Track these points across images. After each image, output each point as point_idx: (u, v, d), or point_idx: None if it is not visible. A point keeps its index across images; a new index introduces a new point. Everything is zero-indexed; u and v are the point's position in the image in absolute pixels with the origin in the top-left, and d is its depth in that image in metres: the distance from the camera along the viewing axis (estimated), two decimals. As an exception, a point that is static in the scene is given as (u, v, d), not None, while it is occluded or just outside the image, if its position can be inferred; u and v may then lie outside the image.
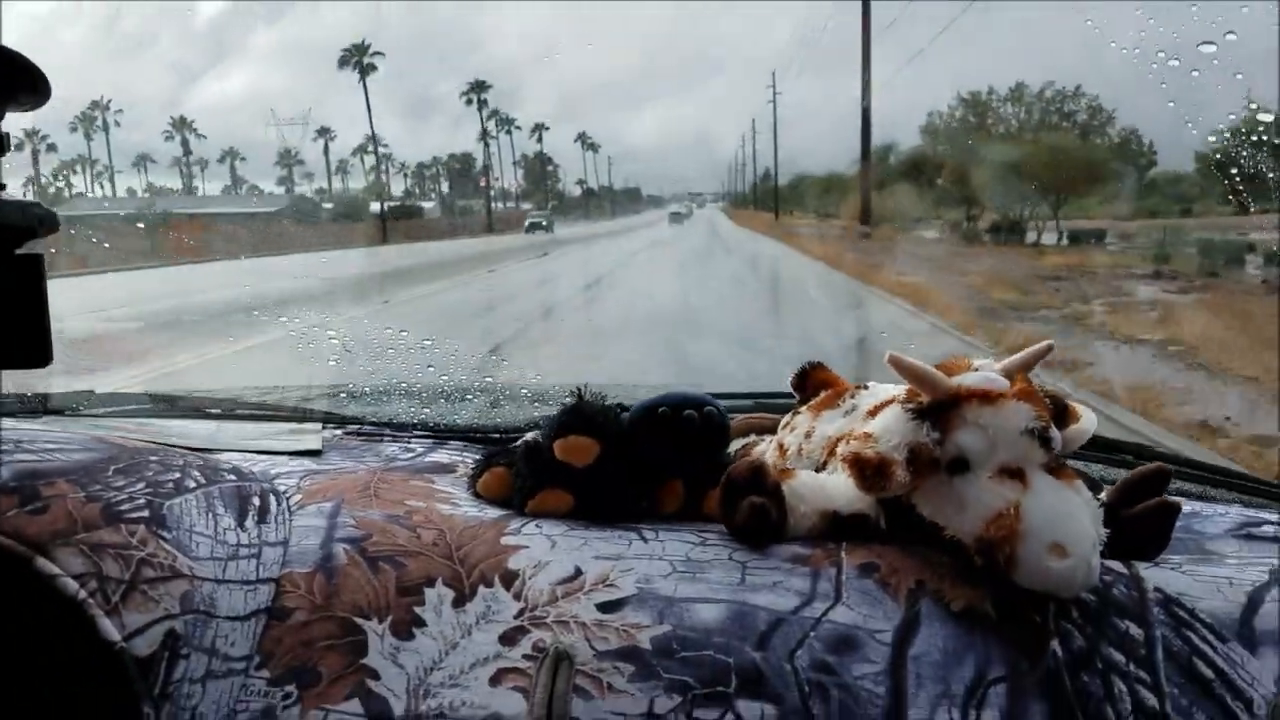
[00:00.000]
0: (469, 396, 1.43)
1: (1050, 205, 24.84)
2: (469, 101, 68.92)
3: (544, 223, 46.53)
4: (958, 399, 0.78)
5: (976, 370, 0.82)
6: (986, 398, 0.78)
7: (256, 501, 0.85)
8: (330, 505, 0.87)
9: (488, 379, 1.52)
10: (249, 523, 0.82)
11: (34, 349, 0.64)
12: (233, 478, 0.87)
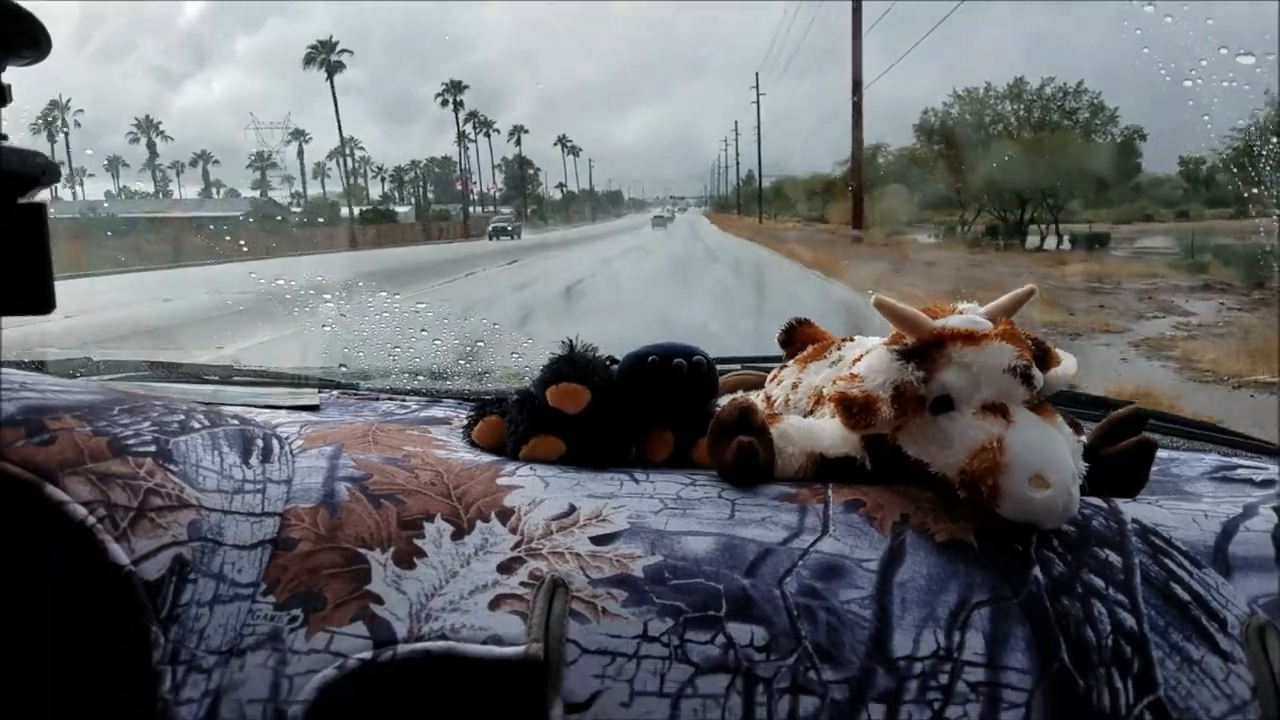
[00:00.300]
0: (459, 371, 1.45)
1: (1049, 208, 23.67)
2: (445, 103, 67.46)
3: (509, 228, 42.76)
4: (942, 339, 0.81)
5: (961, 313, 0.84)
6: (970, 338, 0.80)
7: (260, 443, 0.87)
8: (331, 449, 0.89)
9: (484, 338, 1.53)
10: (253, 460, 0.84)
11: (36, 296, 0.65)
12: (236, 422, 0.89)
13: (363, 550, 0.76)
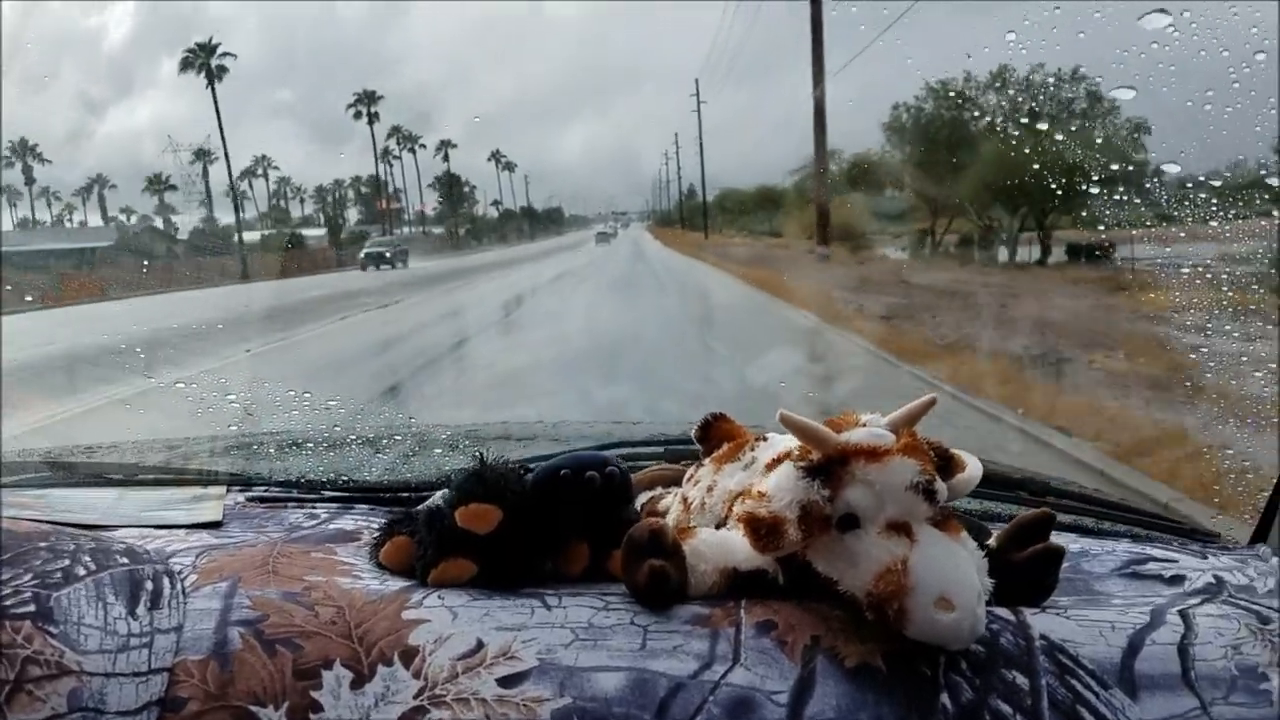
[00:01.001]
0: (381, 447, 1.42)
1: (1042, 214, 20.18)
2: (357, 115, 61.71)
3: (387, 254, 32.50)
4: (846, 456, 0.81)
5: (864, 425, 0.84)
6: (873, 455, 0.80)
7: (150, 585, 0.83)
8: (226, 585, 0.85)
9: (401, 426, 1.49)
10: (140, 609, 0.80)
11: None
12: (125, 561, 0.85)
13: (255, 708, 0.74)
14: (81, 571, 0.80)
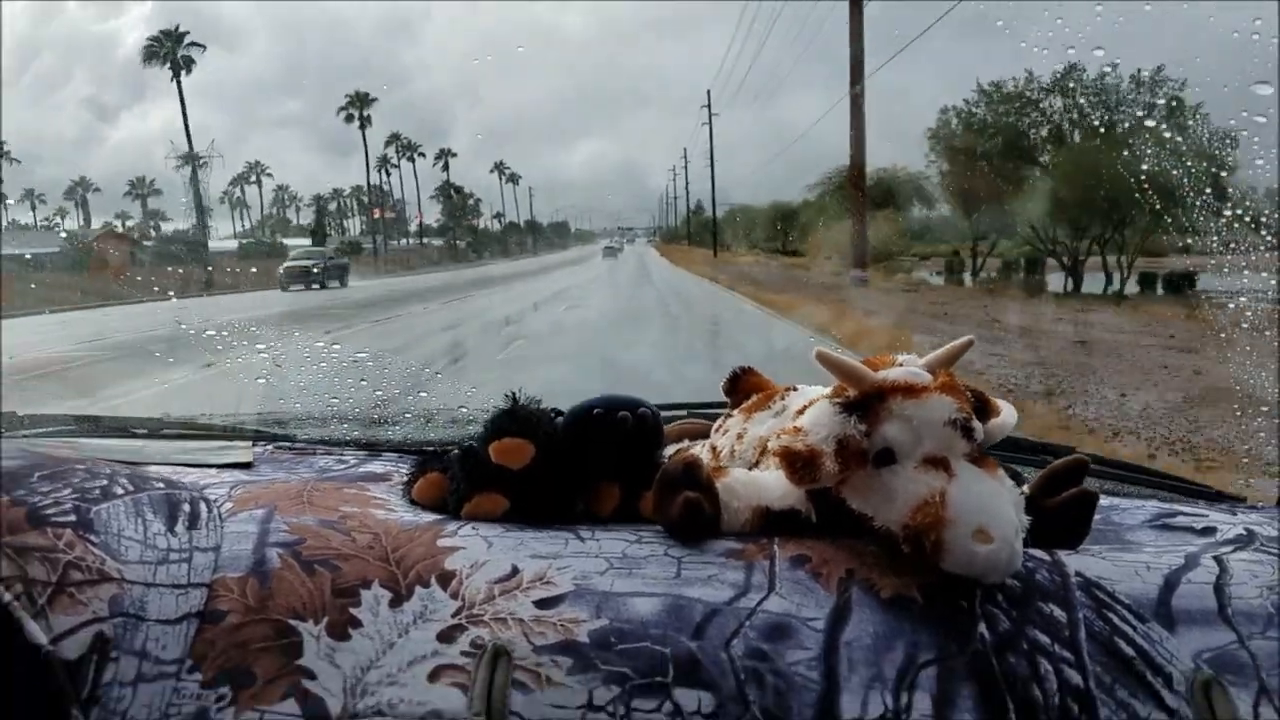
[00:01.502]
0: (404, 416, 1.42)
1: (1113, 237, 16.88)
2: (349, 118, 58.61)
3: (314, 269, 24.66)
4: (883, 393, 0.81)
5: (901, 365, 0.85)
6: (910, 391, 0.80)
7: (187, 508, 0.84)
8: (262, 512, 0.86)
9: (421, 398, 1.48)
10: (179, 528, 0.80)
11: None
12: (161, 485, 0.86)
13: (294, 622, 0.74)
14: (120, 490, 0.80)
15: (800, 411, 0.91)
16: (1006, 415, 0.89)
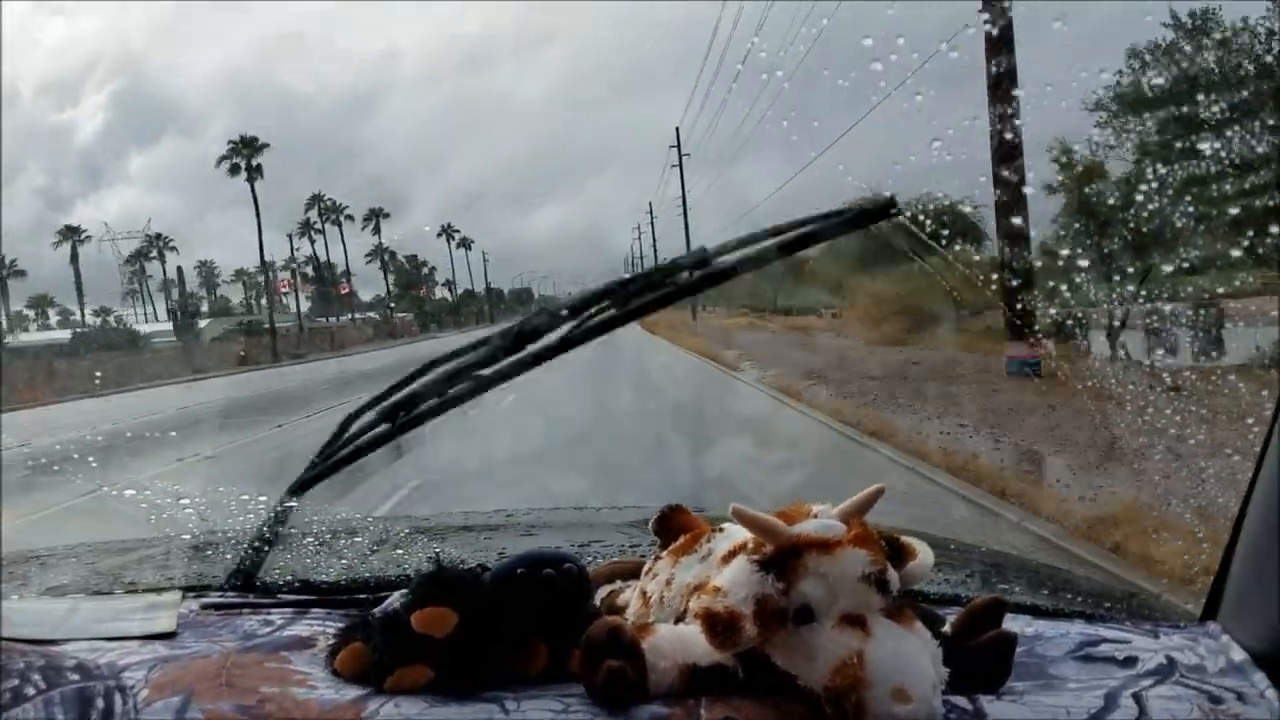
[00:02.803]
0: (339, 548, 1.40)
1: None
2: (234, 169, 52.48)
3: None
4: (798, 549, 0.82)
5: (815, 517, 0.86)
6: (825, 546, 0.81)
7: (100, 703, 0.82)
8: (178, 700, 0.84)
9: (359, 523, 1.46)
10: None
11: None
12: (76, 677, 0.84)
13: None
14: (31, 691, 0.78)
15: (725, 557, 0.91)
16: (923, 557, 0.90)
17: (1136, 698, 0.84)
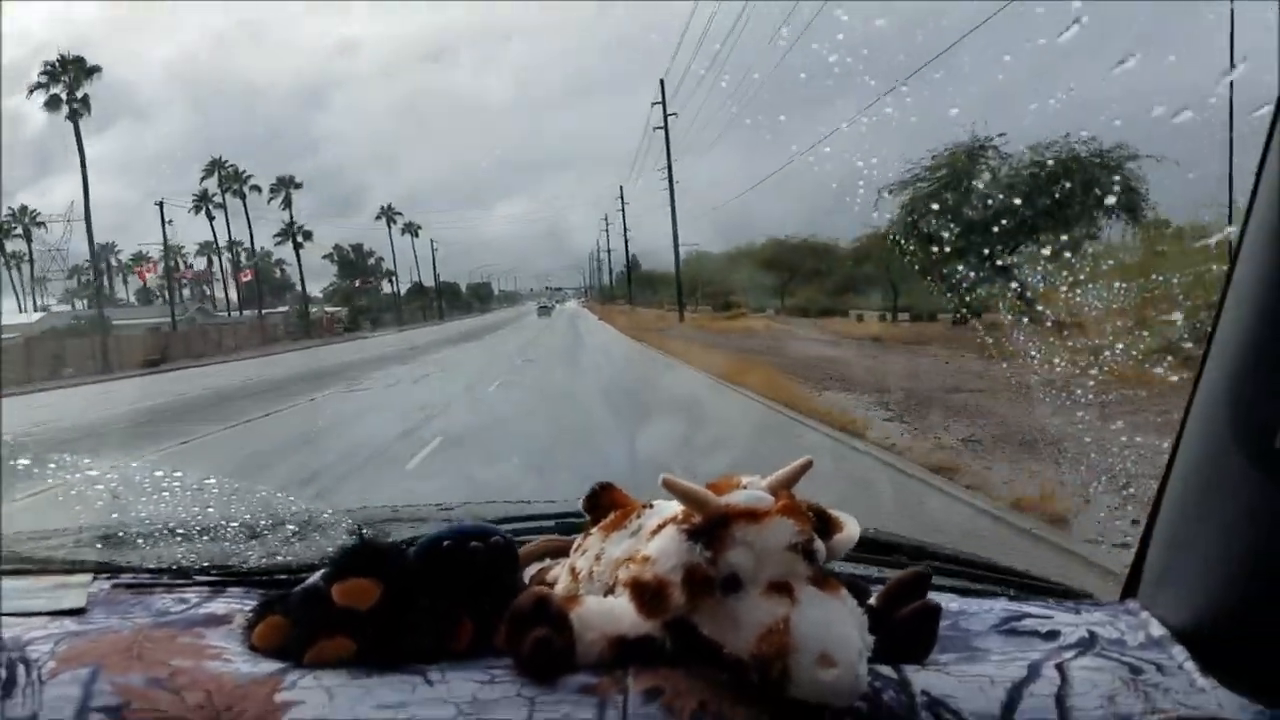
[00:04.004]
0: (259, 533, 1.36)
1: None
2: (53, 102, 41.84)
3: None
4: (727, 518, 0.82)
5: (744, 488, 0.86)
6: (753, 516, 0.82)
7: (2, 673, 0.78)
8: (86, 672, 0.81)
9: (282, 508, 1.42)
10: None
11: None
12: None
13: None
14: None
15: (654, 531, 0.91)
16: (849, 530, 0.91)
17: (1059, 668, 0.86)
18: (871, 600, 0.91)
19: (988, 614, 1.01)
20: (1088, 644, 0.92)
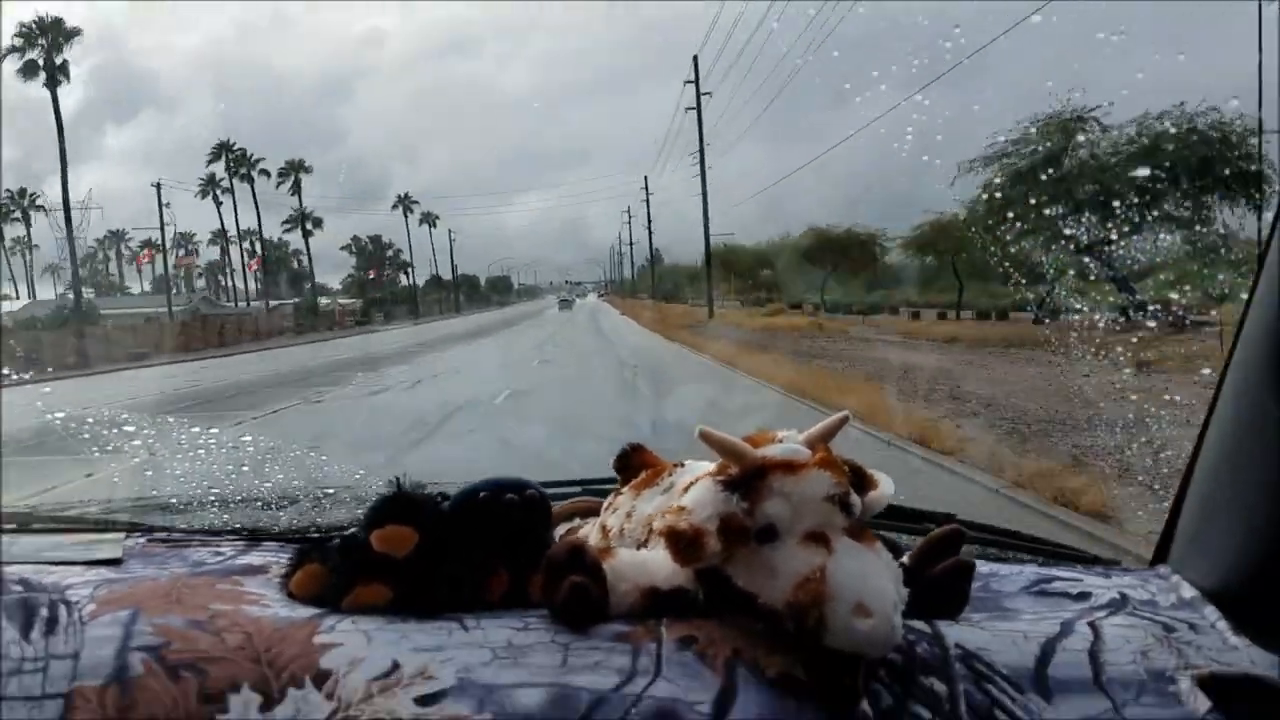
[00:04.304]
0: (289, 501, 1.37)
1: None
2: (29, 69, 39.51)
3: None
4: (764, 470, 0.82)
5: (781, 442, 0.86)
6: (790, 468, 0.82)
7: (44, 613, 0.79)
8: (126, 613, 0.82)
9: (314, 473, 1.42)
10: (35, 634, 0.76)
11: None
12: (18, 589, 0.81)
13: None
14: None
15: (686, 488, 0.92)
16: (885, 487, 0.91)
17: (1092, 626, 0.86)
18: (905, 559, 0.91)
19: (1018, 576, 1.01)
20: (1119, 605, 0.92)
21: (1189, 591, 0.94)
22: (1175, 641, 0.85)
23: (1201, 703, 0.78)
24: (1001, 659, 0.80)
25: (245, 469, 1.29)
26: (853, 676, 0.76)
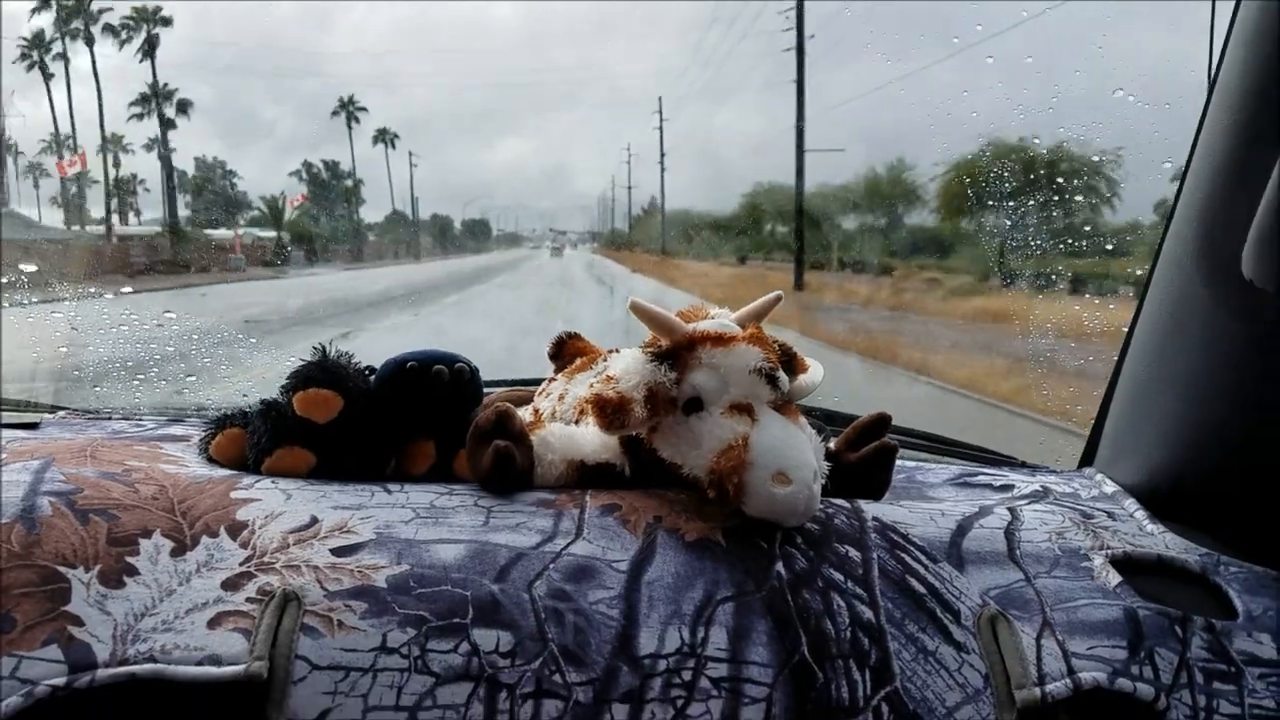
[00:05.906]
0: (219, 377, 1.34)
1: None
2: None
3: None
4: (693, 343, 0.82)
5: (712, 318, 0.86)
6: (719, 340, 0.82)
7: None
8: (38, 463, 0.80)
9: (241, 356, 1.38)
10: None
11: None
12: None
13: (62, 569, 0.69)
14: None
15: None
16: (814, 372, 0.91)
17: (1010, 509, 0.88)
18: (830, 445, 0.92)
19: (943, 471, 1.03)
20: (1040, 495, 0.95)
21: (1110, 487, 0.97)
22: (1093, 526, 0.87)
23: (1113, 577, 0.80)
24: (917, 532, 0.82)
25: (170, 349, 1.26)
26: (769, 541, 0.77)
